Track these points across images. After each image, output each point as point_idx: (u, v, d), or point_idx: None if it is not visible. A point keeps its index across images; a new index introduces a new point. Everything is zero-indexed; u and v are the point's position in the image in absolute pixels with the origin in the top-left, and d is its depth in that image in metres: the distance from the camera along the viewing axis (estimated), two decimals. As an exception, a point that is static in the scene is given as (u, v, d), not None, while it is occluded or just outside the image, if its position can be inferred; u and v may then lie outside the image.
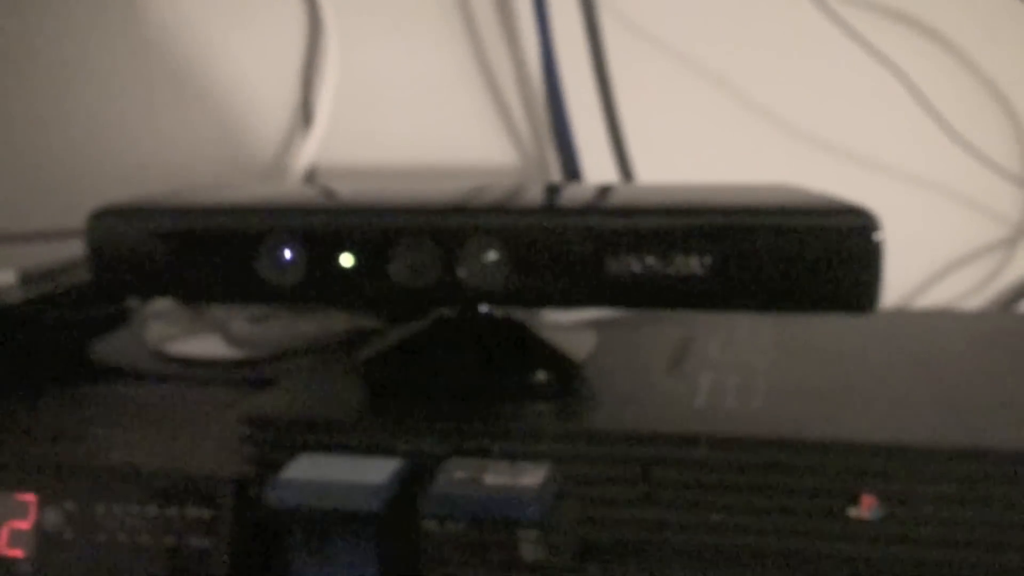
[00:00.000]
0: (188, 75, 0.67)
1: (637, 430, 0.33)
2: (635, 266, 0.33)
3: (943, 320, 0.49)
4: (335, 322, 0.55)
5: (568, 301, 0.34)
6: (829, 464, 0.31)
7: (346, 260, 0.35)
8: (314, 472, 0.33)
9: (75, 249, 0.56)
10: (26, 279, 0.50)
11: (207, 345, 0.53)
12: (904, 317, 0.51)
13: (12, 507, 0.38)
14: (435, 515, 0.32)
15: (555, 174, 0.62)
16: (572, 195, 0.38)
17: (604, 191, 0.38)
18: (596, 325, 0.44)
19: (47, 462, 0.39)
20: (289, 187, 0.44)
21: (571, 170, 0.54)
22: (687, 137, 0.60)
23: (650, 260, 0.32)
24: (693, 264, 0.32)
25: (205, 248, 0.36)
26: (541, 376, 0.36)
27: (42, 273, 0.51)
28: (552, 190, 0.40)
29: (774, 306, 0.32)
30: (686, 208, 0.33)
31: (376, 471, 0.33)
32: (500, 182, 0.48)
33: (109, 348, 0.54)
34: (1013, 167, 0.57)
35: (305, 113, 0.65)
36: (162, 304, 0.56)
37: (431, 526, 0.32)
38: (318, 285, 0.35)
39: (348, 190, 0.42)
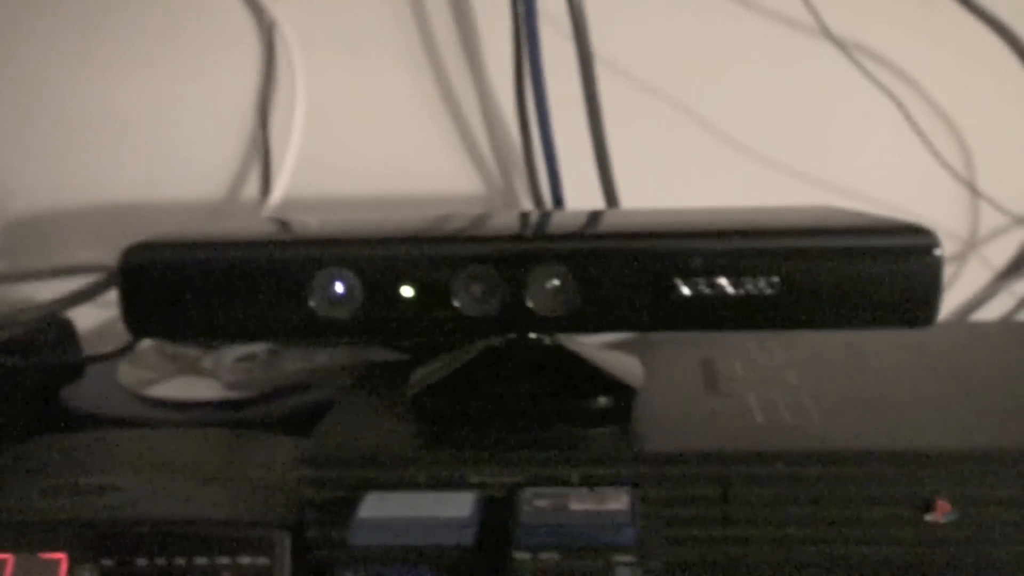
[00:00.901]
0: (138, 112, 0.64)
1: (717, 450, 0.33)
2: (705, 288, 0.33)
3: (943, 330, 0.52)
4: (319, 359, 0.54)
5: (636, 325, 0.34)
6: (904, 473, 0.33)
7: (406, 291, 0.34)
8: (391, 510, 0.33)
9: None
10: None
11: (189, 387, 0.51)
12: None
13: (37, 569, 0.36)
14: (528, 546, 0.32)
15: (524, 201, 0.63)
16: (630, 220, 0.38)
17: (662, 215, 0.39)
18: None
19: (74, 518, 0.36)
20: (333, 219, 0.43)
21: (556, 197, 0.55)
22: (663, 167, 0.61)
23: (721, 282, 0.33)
24: (762, 285, 0.33)
25: (254, 283, 0.34)
26: (601, 402, 0.36)
27: (10, 317, 0.48)
28: (600, 216, 0.40)
29: (839, 323, 0.33)
30: (756, 230, 0.34)
31: (456, 505, 0.33)
32: (508, 211, 0.47)
33: (82, 394, 0.51)
34: (961, 185, 0.61)
35: (263, 147, 0.63)
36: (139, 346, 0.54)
37: (523, 557, 0.32)
38: (376, 318, 0.34)
39: (390, 220, 0.41)
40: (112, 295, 0.53)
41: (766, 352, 0.45)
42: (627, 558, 0.32)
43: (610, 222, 0.37)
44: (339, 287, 0.34)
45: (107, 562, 0.35)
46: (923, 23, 0.60)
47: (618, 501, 0.32)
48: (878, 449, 0.33)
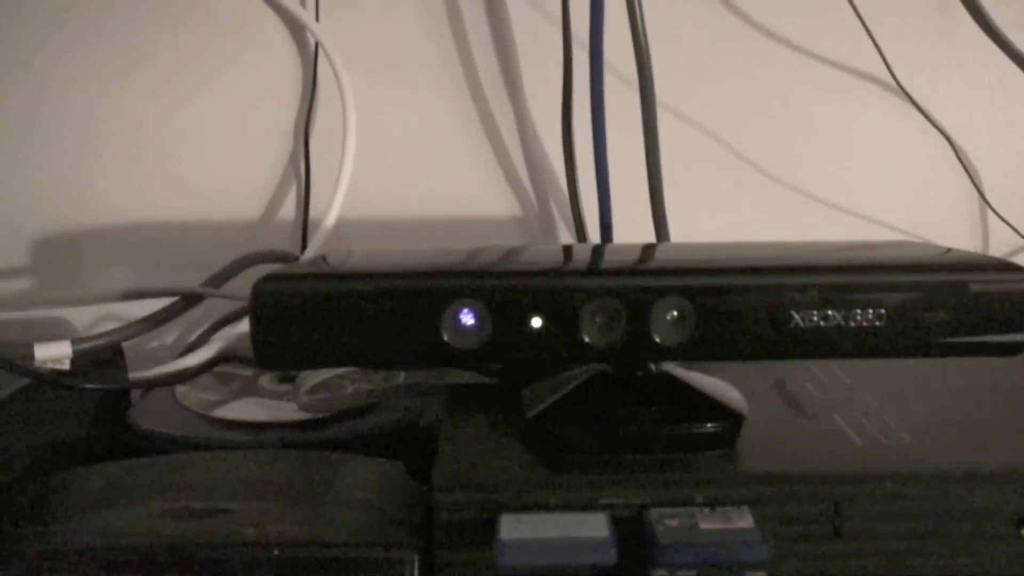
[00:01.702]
0: (177, 133, 0.64)
1: (828, 471, 0.36)
2: (819, 320, 0.36)
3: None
4: (385, 380, 0.55)
5: (751, 355, 0.36)
6: (1001, 489, 0.35)
7: (535, 322, 0.36)
8: (531, 531, 0.34)
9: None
10: (77, 350, 0.47)
11: (255, 409, 0.52)
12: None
13: (162, 593, 0.36)
14: (665, 564, 0.34)
15: (562, 228, 0.65)
16: (740, 255, 0.40)
17: (770, 249, 0.41)
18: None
19: (203, 541, 0.37)
20: (457, 249, 0.44)
21: (605, 226, 0.57)
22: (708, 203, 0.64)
23: (833, 314, 0.35)
24: (871, 317, 0.36)
25: (388, 313, 0.36)
26: (713, 427, 0.38)
27: (91, 343, 0.48)
28: (711, 250, 0.42)
29: (940, 352, 0.36)
30: (864, 266, 0.36)
31: (591, 526, 0.34)
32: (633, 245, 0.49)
33: (149, 416, 0.51)
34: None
35: (304, 170, 0.64)
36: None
37: (660, 574, 0.34)
38: (505, 347, 0.36)
39: (504, 252, 0.43)
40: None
41: (831, 374, 0.47)
42: (759, 573, 0.34)
43: (722, 257, 0.39)
44: (470, 318, 0.36)
45: (231, 587, 0.36)
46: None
47: (743, 520, 0.35)
48: (976, 469, 0.36)
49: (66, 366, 0.46)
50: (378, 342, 0.36)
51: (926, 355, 0.36)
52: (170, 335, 0.66)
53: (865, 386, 0.45)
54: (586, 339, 0.36)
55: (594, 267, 0.37)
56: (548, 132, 0.64)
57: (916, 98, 0.64)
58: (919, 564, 0.36)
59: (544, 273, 0.37)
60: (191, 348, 0.57)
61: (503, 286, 0.36)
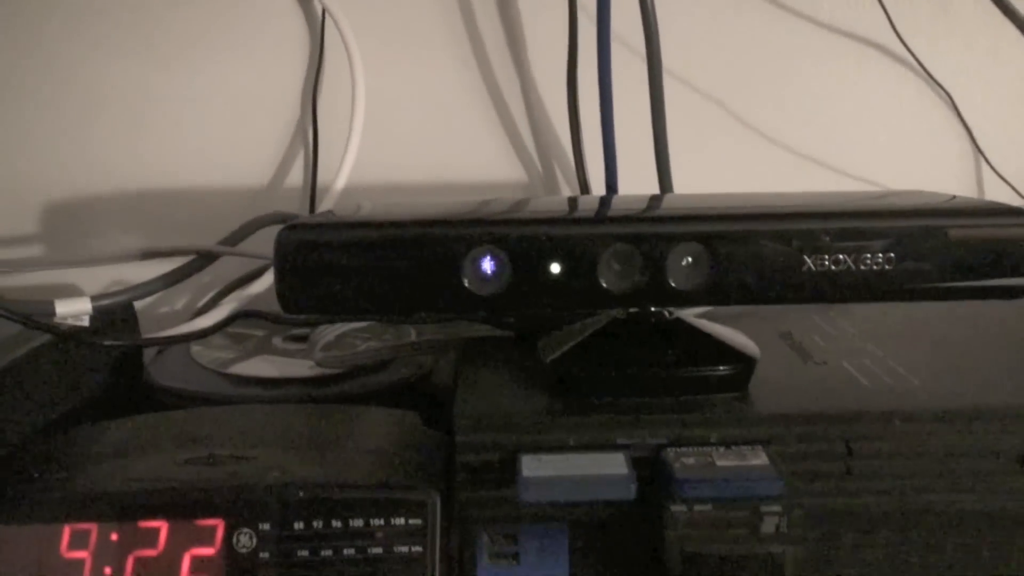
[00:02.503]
0: (184, 100, 0.65)
1: (841, 411, 0.37)
2: (830, 264, 0.37)
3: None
4: (397, 337, 0.56)
5: (764, 299, 0.37)
6: (1004, 427, 0.37)
7: (555, 268, 0.37)
8: (552, 470, 0.35)
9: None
10: (97, 307, 0.48)
11: (271, 365, 0.53)
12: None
13: (193, 534, 0.37)
14: (683, 498, 0.35)
15: (565, 188, 0.66)
16: (752, 202, 0.41)
17: (780, 198, 0.42)
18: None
19: (229, 484, 0.38)
20: (470, 200, 0.45)
21: (611, 184, 0.58)
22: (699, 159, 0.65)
23: (844, 258, 0.36)
24: (880, 261, 0.37)
25: (409, 261, 0.37)
26: (726, 370, 0.39)
27: (110, 299, 0.49)
28: (721, 199, 0.42)
29: (947, 295, 0.37)
30: (874, 211, 0.37)
31: (610, 464, 0.36)
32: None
33: (166, 373, 0.52)
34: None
35: (312, 135, 0.65)
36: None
37: (679, 510, 0.35)
38: (525, 293, 0.37)
39: (515, 202, 0.44)
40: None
41: (836, 326, 0.48)
42: (774, 507, 0.35)
43: (733, 204, 0.40)
44: (490, 265, 0.37)
45: (264, 527, 0.37)
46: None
47: (757, 458, 0.36)
48: (981, 406, 0.37)
49: (86, 323, 0.47)
50: (400, 290, 0.37)
51: (933, 298, 0.37)
52: (181, 299, 0.66)
53: (871, 336, 0.46)
54: (604, 285, 0.37)
55: (611, 214, 0.38)
56: (553, 97, 0.65)
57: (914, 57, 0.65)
58: (926, 500, 0.37)
59: (563, 220, 0.38)
60: (204, 310, 0.58)
61: (523, 233, 0.37)
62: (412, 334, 0.56)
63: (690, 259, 0.37)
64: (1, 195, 0.64)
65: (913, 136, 0.67)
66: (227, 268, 0.60)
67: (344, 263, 0.37)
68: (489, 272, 0.37)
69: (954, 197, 0.41)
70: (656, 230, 0.37)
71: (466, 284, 0.37)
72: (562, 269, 0.37)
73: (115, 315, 0.55)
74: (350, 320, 0.54)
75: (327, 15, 0.63)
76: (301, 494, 0.38)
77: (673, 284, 0.37)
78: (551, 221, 0.38)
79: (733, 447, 0.37)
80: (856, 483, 0.37)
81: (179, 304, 0.67)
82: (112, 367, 0.53)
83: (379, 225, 0.38)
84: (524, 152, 0.66)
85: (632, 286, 0.37)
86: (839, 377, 0.41)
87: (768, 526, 0.35)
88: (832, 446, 0.37)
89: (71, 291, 0.59)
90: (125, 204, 0.65)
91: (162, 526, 0.38)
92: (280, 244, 0.37)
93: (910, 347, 0.45)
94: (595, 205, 0.44)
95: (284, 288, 0.37)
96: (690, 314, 0.42)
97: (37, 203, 0.65)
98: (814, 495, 0.37)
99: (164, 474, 0.40)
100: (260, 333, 0.58)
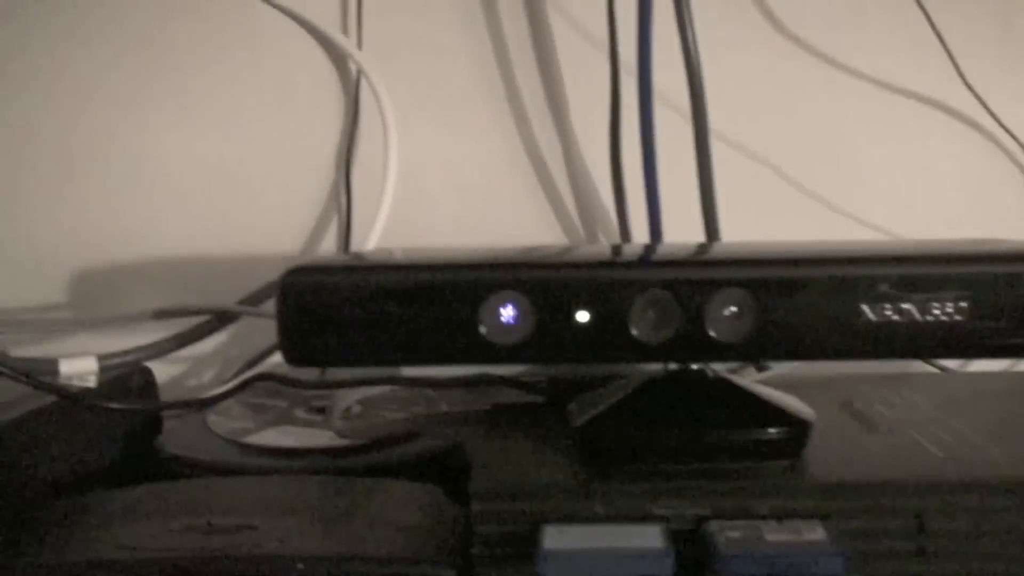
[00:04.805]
0: (217, 162, 0.64)
1: (911, 480, 0.32)
2: (893, 314, 0.32)
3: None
4: (426, 407, 0.52)
5: (817, 353, 0.33)
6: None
7: (582, 316, 0.33)
8: (576, 543, 0.31)
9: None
10: (104, 366, 0.45)
11: (290, 436, 0.50)
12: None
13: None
14: (729, 577, 0.30)
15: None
16: (805, 248, 0.37)
17: (837, 245, 0.38)
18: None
19: (224, 553, 0.34)
20: (492, 248, 0.42)
21: (655, 233, 0.54)
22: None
23: (908, 307, 0.32)
24: (951, 310, 0.32)
25: (422, 306, 0.33)
26: (777, 434, 0.35)
27: (118, 360, 0.46)
28: (773, 246, 0.39)
29: (1025, 350, 0.33)
30: (943, 256, 0.33)
31: (644, 537, 0.31)
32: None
33: (178, 442, 0.49)
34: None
35: (345, 199, 0.63)
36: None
37: (723, 590, 0.30)
38: (549, 344, 0.33)
39: (551, 250, 0.40)
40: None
41: (902, 395, 0.44)
42: (835, 590, 0.30)
43: (785, 250, 0.36)
44: (511, 311, 0.33)
45: (265, 604, 0.33)
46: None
47: (814, 532, 0.31)
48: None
49: (92, 383, 0.44)
50: (412, 338, 0.33)
51: (1012, 354, 0.33)
52: (209, 371, 0.64)
53: (941, 407, 0.42)
54: (636, 335, 0.33)
55: (645, 259, 0.35)
56: (595, 158, 0.62)
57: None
58: (1016, 585, 0.32)
59: (591, 264, 0.34)
60: (228, 381, 0.55)
61: (547, 277, 0.33)
62: (443, 405, 0.53)
63: (734, 308, 0.33)
64: (26, 261, 0.63)
65: (981, 197, 0.63)
66: (258, 338, 0.58)
67: (352, 309, 0.34)
68: (510, 319, 0.33)
69: (1034, 243, 0.37)
70: (695, 275, 0.33)
71: (484, 333, 0.33)
72: (590, 317, 0.33)
73: (133, 381, 0.53)
74: (371, 384, 0.50)
75: (362, 77, 0.61)
76: (300, 567, 0.34)
77: (714, 335, 0.33)
78: (578, 265, 0.34)
79: (786, 520, 0.32)
80: (930, 566, 0.32)
81: (206, 376, 0.64)
82: (125, 435, 0.50)
83: (390, 268, 0.35)
84: (565, 215, 0.63)
85: (667, 337, 0.33)
86: (908, 446, 0.36)
87: (828, 612, 0.30)
88: (901, 522, 0.32)
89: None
90: (152, 271, 0.63)
91: (152, 600, 0.34)
92: (283, 287, 0.34)
93: (985, 417, 0.40)
94: (634, 251, 0.41)
95: (287, 335, 0.34)
96: (738, 378, 0.38)
97: (61, 269, 0.63)
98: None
99: (157, 543, 0.36)
100: (283, 404, 0.55)
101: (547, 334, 0.33)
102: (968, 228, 0.63)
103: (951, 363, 0.57)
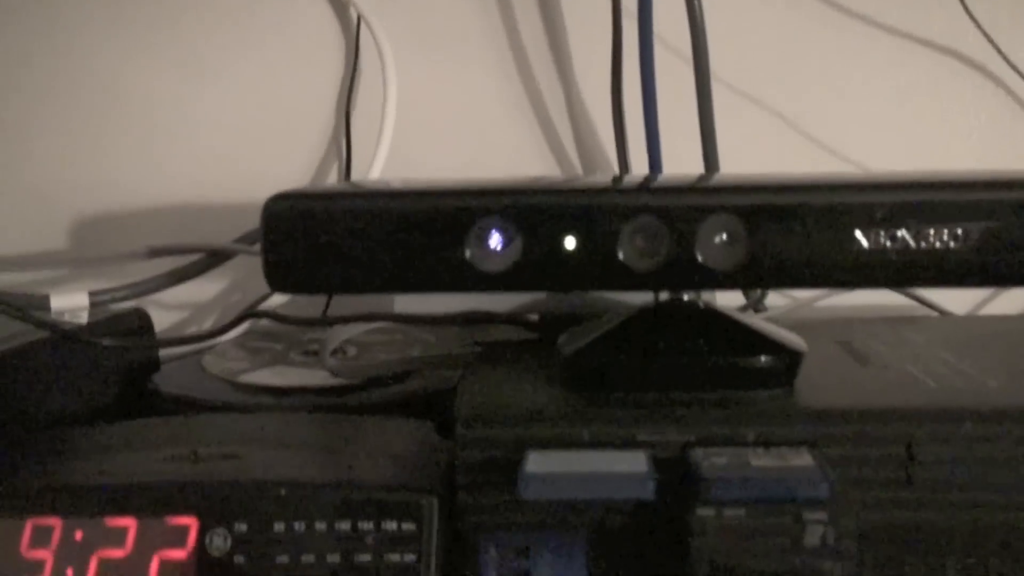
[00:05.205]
0: (218, 108, 0.63)
1: (901, 407, 0.32)
2: (886, 241, 0.32)
3: None
4: (422, 348, 0.52)
5: (809, 281, 0.32)
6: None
7: (570, 243, 0.32)
8: (560, 466, 0.31)
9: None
10: (94, 303, 0.45)
11: (284, 375, 0.49)
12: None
13: (163, 534, 0.33)
14: (712, 501, 0.30)
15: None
16: (797, 175, 0.37)
17: (835, 174, 0.37)
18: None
19: (204, 480, 0.34)
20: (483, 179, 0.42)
21: (654, 165, 0.53)
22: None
23: (903, 234, 0.32)
24: (946, 238, 0.32)
25: (407, 232, 0.33)
26: (768, 362, 0.34)
27: (110, 295, 0.46)
28: (762, 174, 0.38)
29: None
30: (939, 183, 0.32)
31: (628, 462, 0.31)
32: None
33: (173, 381, 0.49)
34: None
35: (345, 142, 0.62)
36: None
37: (706, 514, 0.30)
38: (536, 270, 0.33)
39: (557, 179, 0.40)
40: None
41: (901, 335, 0.43)
42: (819, 515, 0.30)
43: (777, 177, 0.35)
44: (497, 237, 0.33)
45: (241, 527, 0.33)
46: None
47: (801, 459, 0.31)
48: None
49: (83, 319, 0.44)
50: (396, 263, 0.33)
51: (1011, 282, 0.32)
52: (210, 316, 0.64)
53: (942, 344, 0.41)
54: (625, 262, 0.32)
55: (635, 185, 0.34)
56: (595, 101, 0.61)
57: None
58: (1000, 517, 0.31)
59: (579, 191, 0.34)
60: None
61: (534, 203, 0.33)
62: (437, 345, 0.53)
63: (724, 235, 0.32)
64: (26, 204, 0.63)
65: (990, 141, 0.62)
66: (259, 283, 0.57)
67: (336, 235, 0.33)
68: (496, 246, 0.33)
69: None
70: (685, 201, 0.32)
71: (470, 259, 0.33)
72: (578, 244, 0.32)
73: (129, 321, 0.53)
74: (367, 320, 0.50)
75: (362, 21, 0.60)
76: (282, 492, 0.34)
77: (704, 262, 0.32)
78: (566, 191, 0.34)
79: (773, 448, 0.32)
80: (919, 493, 0.31)
81: (208, 322, 0.64)
82: (121, 373, 0.50)
83: (376, 195, 0.34)
84: (564, 153, 0.62)
85: (657, 264, 0.32)
86: (901, 378, 0.35)
87: (812, 537, 0.30)
88: (890, 450, 0.31)
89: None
90: (152, 215, 0.63)
91: (130, 524, 0.34)
92: (267, 213, 0.34)
93: (985, 355, 0.39)
94: (626, 180, 0.40)
95: (270, 261, 0.34)
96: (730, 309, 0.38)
97: (60, 212, 0.63)
98: (868, 507, 0.32)
99: (141, 469, 0.36)
100: (279, 346, 0.54)
101: (534, 261, 0.33)
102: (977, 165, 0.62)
103: (959, 308, 0.57)
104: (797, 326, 0.44)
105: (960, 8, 0.59)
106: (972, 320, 0.51)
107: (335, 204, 0.33)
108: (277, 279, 0.34)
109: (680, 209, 0.32)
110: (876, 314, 0.48)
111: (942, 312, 0.54)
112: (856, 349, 0.40)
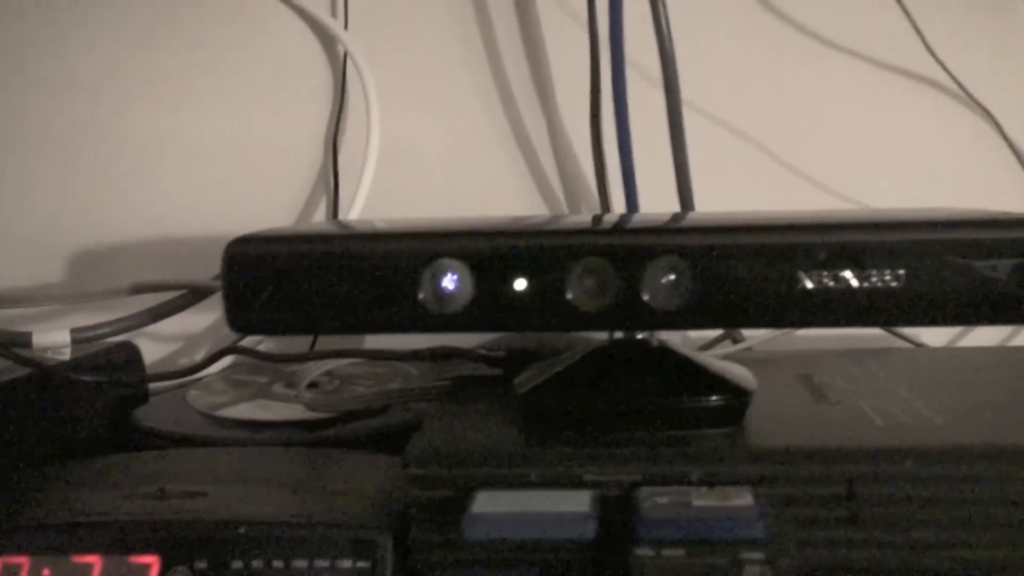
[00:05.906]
0: (207, 143, 0.64)
1: (843, 447, 0.32)
2: (829, 281, 0.32)
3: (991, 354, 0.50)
4: (396, 382, 0.53)
5: (755, 321, 0.33)
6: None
7: (519, 284, 0.33)
8: (506, 506, 0.31)
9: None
10: (76, 340, 0.46)
11: (263, 409, 0.50)
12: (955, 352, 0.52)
13: (127, 572, 0.34)
14: (651, 541, 0.30)
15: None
16: (746, 217, 0.37)
17: (774, 213, 0.38)
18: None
19: (166, 519, 0.35)
20: (434, 219, 0.43)
21: (631, 206, 0.54)
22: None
23: (845, 275, 0.32)
24: (888, 278, 0.32)
25: (362, 275, 0.34)
26: (715, 401, 0.35)
27: (92, 333, 0.47)
28: (713, 215, 0.39)
29: (962, 318, 0.32)
30: (881, 223, 0.33)
31: (572, 502, 0.31)
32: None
33: (155, 415, 0.50)
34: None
35: (333, 178, 0.63)
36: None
37: (645, 554, 0.30)
38: (487, 312, 0.34)
39: (496, 218, 0.41)
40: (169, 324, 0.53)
41: (864, 369, 0.43)
42: (757, 554, 0.30)
43: (725, 218, 0.36)
44: (450, 280, 0.34)
45: (201, 565, 0.34)
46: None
47: (742, 498, 0.31)
48: (1008, 445, 0.32)
49: (66, 356, 0.45)
50: (351, 305, 0.34)
51: (949, 322, 0.32)
52: (199, 351, 0.65)
53: (902, 381, 0.41)
54: (574, 303, 0.33)
55: (586, 227, 0.35)
56: (580, 138, 0.62)
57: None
58: (943, 556, 0.32)
59: (528, 233, 0.35)
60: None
61: (484, 246, 0.34)
62: (416, 379, 0.53)
63: (671, 276, 0.33)
64: (10, 242, 0.64)
65: (956, 163, 0.62)
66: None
67: (292, 278, 0.34)
68: (448, 288, 0.34)
69: (979, 211, 0.36)
70: (631, 242, 0.33)
71: (423, 300, 0.34)
72: (528, 285, 0.33)
73: (116, 356, 0.54)
74: (338, 358, 0.51)
75: (348, 57, 0.62)
76: (242, 530, 0.34)
77: (651, 303, 0.33)
78: (516, 233, 0.34)
79: (717, 487, 0.32)
80: (862, 533, 0.32)
81: (198, 355, 0.65)
82: (108, 408, 0.51)
83: (331, 238, 0.35)
84: (549, 190, 0.63)
85: (605, 306, 0.33)
86: (851, 415, 0.36)
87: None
88: (832, 489, 0.32)
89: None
90: (140, 250, 0.64)
91: (95, 562, 0.35)
92: (227, 256, 0.35)
93: (944, 389, 0.40)
94: (582, 220, 0.41)
95: (231, 303, 0.35)
96: (682, 348, 0.38)
97: (47, 249, 0.64)
98: (810, 545, 0.32)
99: (105, 507, 0.37)
100: (262, 380, 0.55)
101: (486, 302, 0.33)
102: (950, 199, 0.62)
103: (935, 339, 0.57)
104: (765, 359, 0.45)
105: (942, 38, 0.59)
106: (944, 352, 0.51)
107: (292, 247, 0.34)
108: (238, 320, 0.35)
109: (626, 250, 0.33)
110: (854, 344, 0.49)
111: (916, 344, 0.54)
112: (815, 384, 0.41)
